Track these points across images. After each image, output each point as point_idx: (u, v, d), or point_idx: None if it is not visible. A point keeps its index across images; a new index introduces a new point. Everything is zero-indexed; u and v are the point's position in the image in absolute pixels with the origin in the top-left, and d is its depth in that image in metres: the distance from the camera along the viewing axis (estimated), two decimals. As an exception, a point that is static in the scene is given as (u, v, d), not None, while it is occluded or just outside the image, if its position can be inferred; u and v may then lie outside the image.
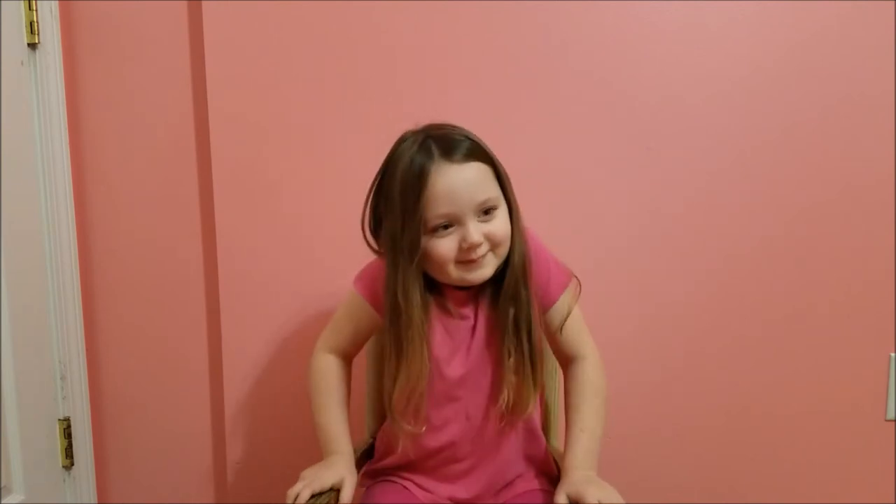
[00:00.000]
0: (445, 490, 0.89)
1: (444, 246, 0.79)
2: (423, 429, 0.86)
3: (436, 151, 0.79)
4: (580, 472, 0.79)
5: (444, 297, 0.87)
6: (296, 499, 0.78)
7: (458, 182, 0.78)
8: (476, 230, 0.78)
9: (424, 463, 0.89)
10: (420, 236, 0.79)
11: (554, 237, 1.17)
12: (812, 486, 1.24)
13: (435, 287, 0.87)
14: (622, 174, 1.18)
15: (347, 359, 0.96)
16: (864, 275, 1.20)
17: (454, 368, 0.85)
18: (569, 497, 0.76)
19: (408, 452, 0.88)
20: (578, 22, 1.16)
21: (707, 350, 1.22)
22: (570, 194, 1.19)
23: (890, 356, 1.22)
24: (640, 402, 1.22)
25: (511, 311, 0.83)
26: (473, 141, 0.82)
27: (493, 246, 0.81)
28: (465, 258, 0.80)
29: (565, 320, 0.88)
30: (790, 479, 1.24)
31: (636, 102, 1.17)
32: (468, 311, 0.87)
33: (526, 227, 0.87)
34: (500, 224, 0.81)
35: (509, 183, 0.84)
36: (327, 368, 0.94)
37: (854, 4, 1.15)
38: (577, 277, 0.89)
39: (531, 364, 0.83)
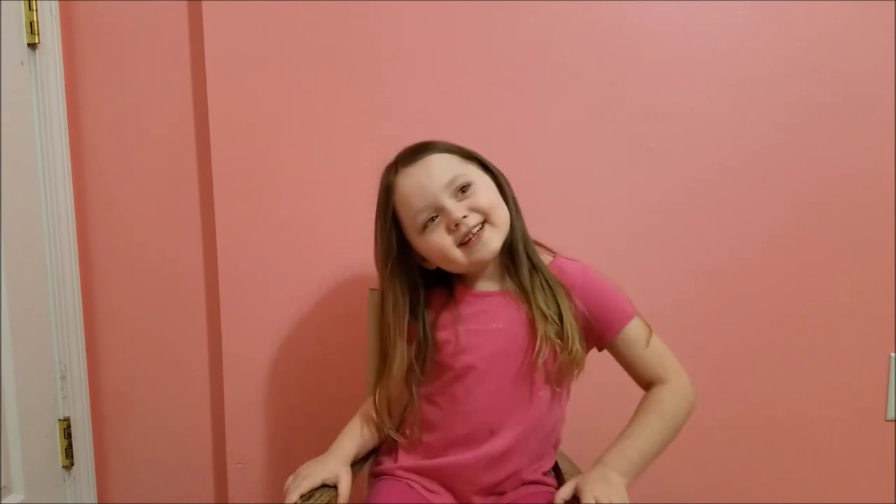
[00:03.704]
0: (469, 459, 0.86)
1: (438, 236, 0.83)
2: (409, 435, 0.89)
3: (396, 165, 0.86)
4: (600, 469, 0.77)
5: (469, 276, 0.90)
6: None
7: (420, 175, 0.83)
8: (455, 206, 0.82)
9: (447, 436, 0.88)
10: (393, 242, 0.85)
11: (555, 237, 1.17)
12: (812, 486, 1.24)
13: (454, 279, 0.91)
14: (623, 174, 1.18)
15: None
16: (865, 275, 1.20)
17: (483, 345, 0.86)
18: (575, 490, 0.74)
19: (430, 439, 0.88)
20: (579, 23, 1.15)
21: (707, 350, 1.21)
22: (571, 194, 1.19)
23: (890, 356, 1.22)
24: (638, 402, 1.21)
25: (527, 274, 0.86)
26: (432, 141, 0.87)
27: (485, 216, 0.83)
28: (461, 238, 0.82)
29: (643, 345, 0.86)
30: (790, 478, 1.24)
31: (637, 103, 1.17)
32: (491, 289, 0.89)
33: (581, 261, 0.91)
34: (481, 195, 0.84)
35: (491, 164, 0.88)
36: (363, 410, 0.95)
37: (854, 4, 1.15)
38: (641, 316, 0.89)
39: (559, 320, 0.84)
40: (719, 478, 1.24)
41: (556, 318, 0.84)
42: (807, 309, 1.21)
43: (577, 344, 0.83)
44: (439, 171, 0.83)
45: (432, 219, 0.83)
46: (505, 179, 0.89)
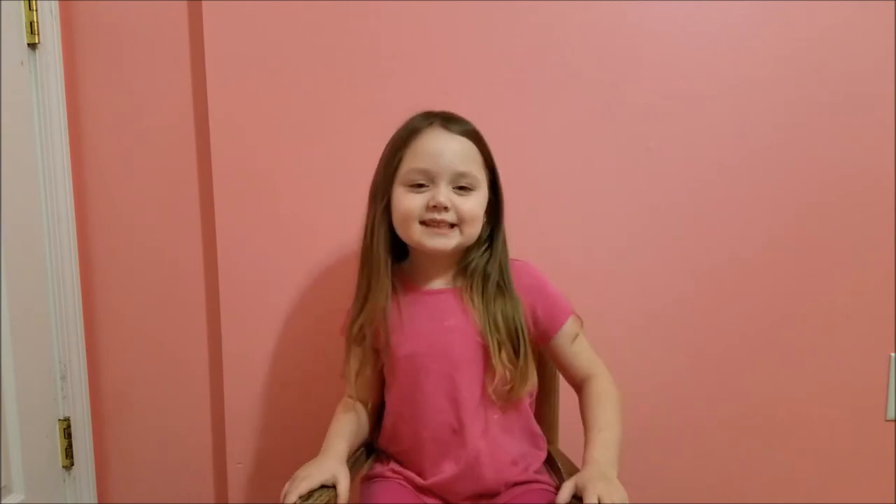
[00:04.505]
0: (448, 469, 0.87)
1: (413, 200, 0.84)
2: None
3: (436, 119, 0.86)
4: (596, 467, 0.78)
5: (420, 274, 0.91)
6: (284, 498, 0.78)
7: (445, 146, 0.84)
8: (446, 193, 0.83)
9: (419, 445, 0.89)
10: (392, 183, 0.85)
11: (555, 237, 1.18)
12: (812, 486, 1.24)
13: (410, 264, 0.92)
14: (623, 174, 1.18)
15: (363, 401, 0.97)
16: (865, 275, 1.20)
17: (436, 343, 0.87)
18: (576, 489, 0.75)
19: (401, 433, 0.89)
20: (579, 23, 1.15)
21: (707, 350, 1.22)
22: (571, 194, 1.19)
23: (890, 356, 1.22)
24: (638, 402, 1.21)
25: (492, 298, 0.86)
26: (476, 129, 0.87)
27: (460, 221, 0.84)
28: (430, 219, 0.83)
29: (574, 340, 0.90)
30: (790, 478, 1.24)
31: (637, 103, 1.17)
32: (445, 286, 0.90)
33: (526, 260, 0.91)
34: (471, 203, 0.85)
35: (501, 186, 0.89)
36: (340, 407, 0.96)
37: (854, 4, 1.15)
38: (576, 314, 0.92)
39: (515, 350, 0.85)
40: (719, 478, 1.24)
41: (512, 348, 0.85)
42: (807, 309, 1.21)
43: (530, 378, 0.86)
44: (461, 156, 0.84)
45: (422, 185, 0.84)
46: (502, 205, 0.89)
